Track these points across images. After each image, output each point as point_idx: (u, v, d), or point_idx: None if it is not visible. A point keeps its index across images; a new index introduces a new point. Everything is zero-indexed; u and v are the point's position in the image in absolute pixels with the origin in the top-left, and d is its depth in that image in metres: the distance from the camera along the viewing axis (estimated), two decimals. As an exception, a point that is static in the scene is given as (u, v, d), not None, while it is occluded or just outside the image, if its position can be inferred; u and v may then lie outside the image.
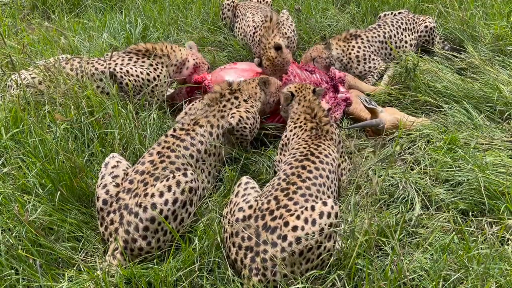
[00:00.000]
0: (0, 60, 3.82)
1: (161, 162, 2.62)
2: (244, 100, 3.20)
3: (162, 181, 2.48)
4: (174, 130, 2.87)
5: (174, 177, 2.48)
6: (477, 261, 2.19)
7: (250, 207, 2.35)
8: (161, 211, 2.38)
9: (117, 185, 2.54)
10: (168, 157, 2.65)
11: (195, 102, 3.39)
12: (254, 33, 4.38)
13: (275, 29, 4.10)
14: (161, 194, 2.41)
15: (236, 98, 3.17)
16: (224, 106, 3.10)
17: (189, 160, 2.72)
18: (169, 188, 2.43)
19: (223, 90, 3.19)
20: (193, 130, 2.87)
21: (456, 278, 2.13)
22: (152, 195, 2.40)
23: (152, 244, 2.39)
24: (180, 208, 2.45)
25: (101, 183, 2.54)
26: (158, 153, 2.68)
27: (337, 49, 4.30)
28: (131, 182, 2.53)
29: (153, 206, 2.38)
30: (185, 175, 2.50)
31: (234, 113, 3.04)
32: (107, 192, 2.50)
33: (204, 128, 2.92)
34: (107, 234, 2.44)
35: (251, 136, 3.13)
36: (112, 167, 2.61)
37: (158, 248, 2.41)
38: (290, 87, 3.36)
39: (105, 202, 2.48)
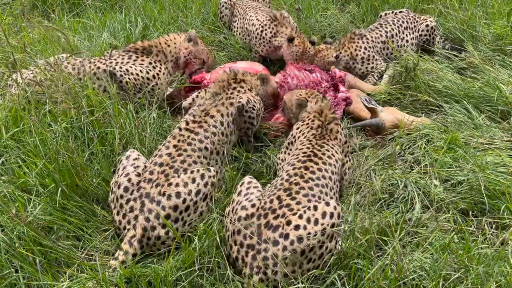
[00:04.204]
0: (1, 59, 3.82)
1: (179, 155, 2.68)
2: (249, 89, 3.31)
3: (186, 173, 2.56)
4: (187, 123, 2.90)
5: (198, 170, 2.57)
6: (477, 261, 2.19)
7: (253, 205, 2.35)
8: (184, 200, 2.46)
9: (139, 175, 2.60)
10: (185, 150, 2.72)
11: (201, 91, 3.43)
12: (262, 31, 4.41)
13: (288, 25, 4.30)
14: (186, 185, 2.49)
15: (242, 87, 3.27)
16: (232, 93, 3.18)
17: (204, 153, 2.79)
18: (194, 180, 2.52)
19: (229, 78, 3.27)
20: (205, 122, 2.91)
21: (456, 278, 2.13)
22: (177, 185, 2.48)
23: (170, 234, 2.42)
24: (201, 201, 2.53)
25: (123, 172, 2.61)
26: (175, 146, 2.74)
27: (346, 51, 4.31)
28: (151, 173, 2.60)
29: (178, 194, 2.45)
30: (209, 170, 2.59)
31: (242, 96, 3.14)
32: (129, 180, 2.56)
33: (215, 118, 2.97)
34: (125, 222, 2.47)
35: (256, 122, 3.20)
36: (134, 159, 2.70)
37: (173, 240, 2.43)
38: (300, 94, 3.33)
39: (126, 189, 2.53)
